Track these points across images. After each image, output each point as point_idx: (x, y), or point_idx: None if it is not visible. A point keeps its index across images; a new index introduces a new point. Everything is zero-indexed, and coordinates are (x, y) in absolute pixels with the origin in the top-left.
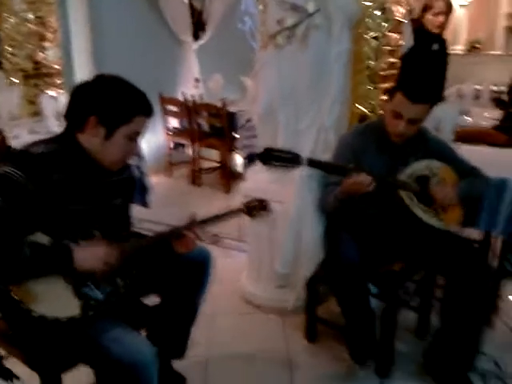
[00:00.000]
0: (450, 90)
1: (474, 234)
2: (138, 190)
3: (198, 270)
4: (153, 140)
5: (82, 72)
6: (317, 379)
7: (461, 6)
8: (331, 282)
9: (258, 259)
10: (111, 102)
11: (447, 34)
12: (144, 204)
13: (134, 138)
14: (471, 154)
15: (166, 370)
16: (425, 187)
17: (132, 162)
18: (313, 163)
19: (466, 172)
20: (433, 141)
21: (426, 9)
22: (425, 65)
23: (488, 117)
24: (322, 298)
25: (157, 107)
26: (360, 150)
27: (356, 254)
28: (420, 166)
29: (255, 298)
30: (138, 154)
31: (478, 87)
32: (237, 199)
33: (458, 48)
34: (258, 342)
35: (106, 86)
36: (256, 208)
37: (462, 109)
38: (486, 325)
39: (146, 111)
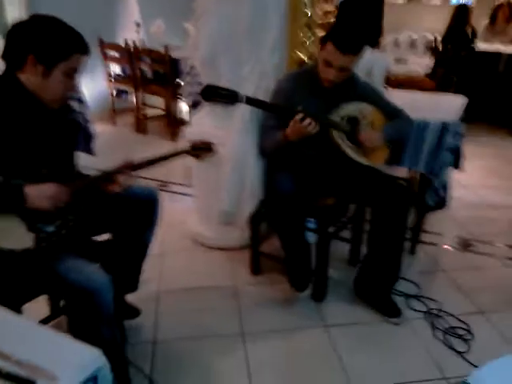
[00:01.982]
0: (387, 38)
1: (400, 171)
2: (82, 137)
3: (146, 208)
4: (94, 87)
5: (14, 14)
6: (261, 305)
7: None
8: (270, 215)
9: (203, 200)
10: (48, 40)
11: None
12: (89, 151)
13: (71, 74)
14: (400, 98)
15: (121, 303)
16: (354, 128)
17: (74, 107)
18: (252, 101)
19: (392, 113)
20: (362, 85)
21: None
22: (360, 13)
23: (423, 64)
24: (264, 235)
25: (96, 52)
26: (293, 93)
27: (291, 187)
28: (351, 108)
29: (202, 238)
30: (80, 99)
31: (414, 36)
32: (182, 144)
33: None
34: (206, 277)
35: (42, 25)
36: (200, 149)
37: (397, 56)
38: (409, 253)
39: (83, 48)
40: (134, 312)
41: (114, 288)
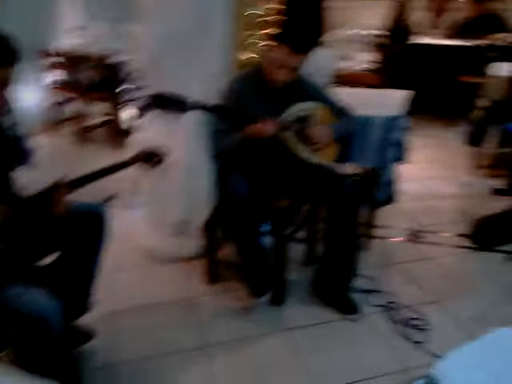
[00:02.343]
0: (329, 35)
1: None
2: (19, 152)
3: (92, 225)
4: (33, 97)
5: None
6: (221, 315)
7: None
8: (225, 221)
9: (154, 211)
10: None
11: None
12: (27, 166)
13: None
14: (346, 94)
15: (72, 328)
16: (304, 127)
17: (6, 122)
18: (206, 107)
19: (339, 111)
20: (309, 84)
21: None
22: (306, 12)
23: (366, 60)
24: (220, 242)
25: (35, 60)
26: (243, 95)
27: (246, 190)
28: (299, 108)
29: (156, 250)
30: (12, 112)
31: (356, 31)
32: (129, 153)
33: None
34: (162, 291)
35: None
36: (149, 158)
37: (340, 53)
38: (363, 248)
39: (9, 59)
40: (88, 335)
41: (64, 312)
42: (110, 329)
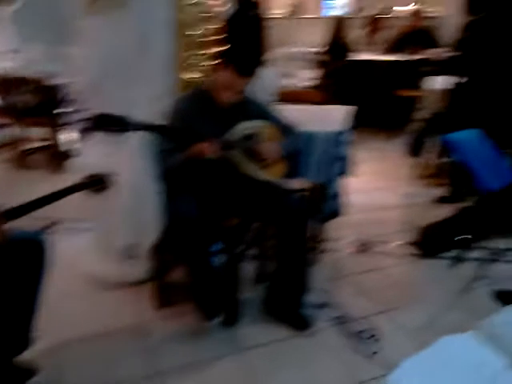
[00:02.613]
0: (272, 54)
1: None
2: None
3: (32, 255)
4: None
5: None
6: (173, 340)
7: None
8: (174, 243)
9: (100, 235)
10: None
11: None
12: None
13: None
14: (291, 112)
15: (12, 366)
16: (251, 145)
17: None
18: (149, 127)
19: (285, 128)
20: (254, 103)
21: None
22: (249, 35)
23: (308, 77)
24: (169, 264)
25: None
26: (189, 115)
27: (194, 210)
28: (246, 126)
29: (102, 276)
30: None
31: (298, 49)
32: (70, 177)
33: (278, 12)
34: (110, 319)
35: None
36: (94, 183)
37: (283, 71)
38: (313, 263)
39: None
40: (30, 372)
41: (2, 350)
42: (55, 362)
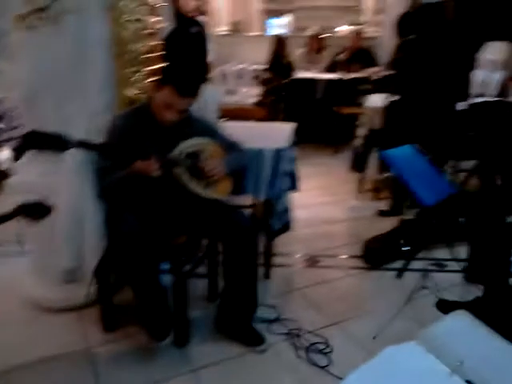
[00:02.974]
0: (216, 71)
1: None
2: None
3: None
4: None
5: None
6: (120, 364)
7: None
8: (118, 263)
9: (41, 258)
10: None
11: (212, 17)
12: None
13: None
14: (235, 129)
15: None
16: (196, 163)
17: None
18: (86, 145)
19: (229, 146)
20: (198, 121)
21: None
22: (188, 50)
23: (251, 94)
24: (114, 286)
25: None
26: (129, 132)
27: (136, 227)
28: (189, 144)
29: (44, 301)
30: None
31: (241, 66)
32: (6, 199)
33: (222, 30)
34: (53, 345)
35: None
36: (32, 211)
37: (227, 88)
38: (264, 278)
39: None
40: None
41: None
42: None
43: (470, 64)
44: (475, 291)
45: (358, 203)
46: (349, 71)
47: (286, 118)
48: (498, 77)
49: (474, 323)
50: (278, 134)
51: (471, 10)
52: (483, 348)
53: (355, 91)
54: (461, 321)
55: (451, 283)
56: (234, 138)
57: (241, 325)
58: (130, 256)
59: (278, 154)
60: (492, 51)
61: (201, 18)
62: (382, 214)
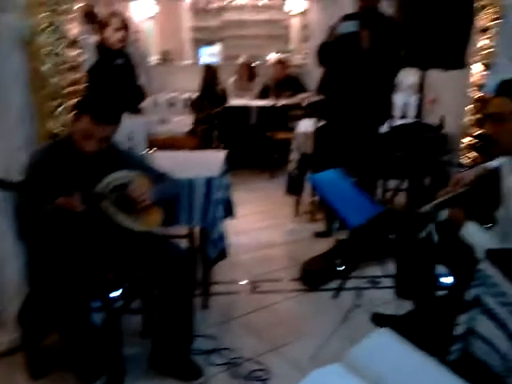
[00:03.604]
0: (147, 100)
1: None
2: None
3: None
4: None
5: None
6: None
7: (149, 18)
8: (43, 305)
9: None
10: None
11: (142, 45)
12: None
13: None
14: (166, 159)
15: None
16: (123, 195)
17: None
18: (5, 184)
19: (158, 177)
20: (124, 152)
21: (104, 25)
22: (110, 80)
23: (184, 123)
24: (41, 329)
25: None
26: (49, 168)
27: (61, 267)
28: (115, 176)
29: None
30: None
31: (172, 95)
32: None
33: (152, 59)
34: None
35: None
36: None
37: (159, 117)
38: (202, 308)
39: None
40: None
41: None
42: None
43: (389, 88)
44: (407, 306)
45: (295, 226)
46: (279, 98)
47: (221, 146)
48: (415, 100)
49: (397, 341)
50: (209, 162)
51: (386, 40)
52: (406, 365)
53: (288, 117)
54: (383, 339)
55: (385, 300)
56: (162, 169)
57: (177, 359)
58: (56, 298)
59: (210, 182)
60: (410, 76)
61: (130, 49)
62: (318, 235)
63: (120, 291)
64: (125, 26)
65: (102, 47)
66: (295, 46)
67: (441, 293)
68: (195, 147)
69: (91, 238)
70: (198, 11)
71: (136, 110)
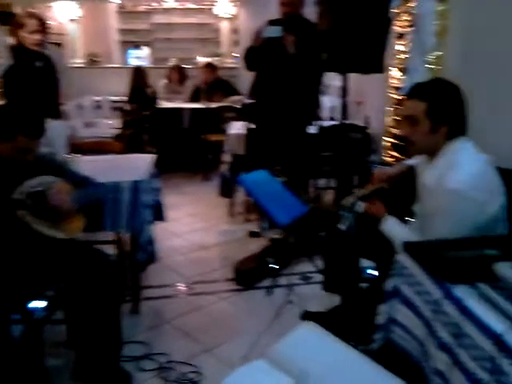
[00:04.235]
0: (71, 104)
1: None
2: None
3: None
4: None
5: None
6: None
7: (71, 20)
8: None
9: None
10: None
11: (66, 48)
12: None
13: None
14: (91, 163)
15: None
16: (41, 202)
17: None
18: None
19: (79, 182)
20: (44, 158)
21: (20, 26)
22: (29, 84)
23: (111, 126)
24: None
25: None
26: None
27: None
28: (33, 183)
29: None
30: None
31: (99, 98)
32: None
33: (77, 62)
34: None
35: None
36: None
37: (85, 121)
38: (132, 313)
39: None
40: None
41: None
42: None
43: (315, 91)
44: (337, 300)
45: (229, 227)
46: (211, 100)
47: (152, 150)
48: (342, 102)
49: (320, 334)
50: (136, 165)
51: (309, 45)
52: (328, 357)
53: (221, 119)
54: (307, 333)
55: (316, 295)
56: (84, 173)
57: (104, 367)
58: None
59: (137, 185)
60: (337, 80)
61: (51, 51)
62: (253, 235)
63: (42, 301)
64: (43, 27)
65: (19, 49)
66: (226, 50)
67: (365, 285)
68: (123, 151)
69: (9, 247)
70: (126, 13)
71: (56, 114)
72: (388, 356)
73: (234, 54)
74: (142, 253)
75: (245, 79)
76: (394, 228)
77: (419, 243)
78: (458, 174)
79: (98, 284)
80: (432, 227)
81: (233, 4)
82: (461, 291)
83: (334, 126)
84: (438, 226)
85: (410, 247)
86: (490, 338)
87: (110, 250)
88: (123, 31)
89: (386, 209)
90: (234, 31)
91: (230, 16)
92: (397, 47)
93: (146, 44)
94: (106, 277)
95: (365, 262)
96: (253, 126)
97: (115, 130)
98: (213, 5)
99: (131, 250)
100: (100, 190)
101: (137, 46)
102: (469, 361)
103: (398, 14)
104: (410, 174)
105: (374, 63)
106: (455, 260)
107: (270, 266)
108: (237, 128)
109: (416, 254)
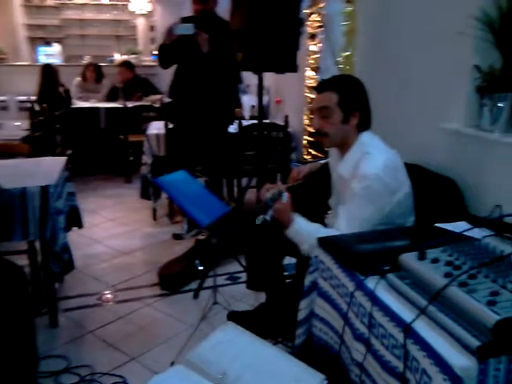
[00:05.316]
0: None
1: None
2: None
3: None
4: None
5: None
6: None
7: None
8: None
9: None
10: None
11: None
12: None
13: None
14: None
15: None
16: None
17: None
18: None
19: None
20: None
21: None
22: None
23: (19, 128)
24: None
25: None
26: None
27: None
28: None
29: None
30: None
31: (5, 98)
32: None
33: None
34: None
35: None
36: None
37: None
38: (50, 326)
39: None
40: None
41: None
42: None
43: (232, 90)
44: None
45: (153, 230)
46: (129, 99)
47: (66, 152)
48: (265, 101)
49: (239, 333)
50: (45, 169)
51: (223, 43)
52: (247, 356)
53: (141, 118)
54: (226, 334)
55: (244, 294)
56: None
57: None
58: None
59: (46, 191)
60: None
61: None
62: (176, 237)
63: None
64: None
65: None
66: (143, 48)
67: (288, 281)
68: (31, 154)
69: None
70: (33, 8)
71: None
72: (311, 350)
73: (153, 52)
74: (57, 262)
75: (165, 78)
76: (303, 225)
77: (332, 238)
78: (372, 161)
79: (8, 297)
80: (347, 211)
81: (148, 0)
82: (371, 282)
83: (253, 124)
84: (353, 209)
85: (324, 242)
86: (399, 326)
87: (22, 260)
88: (31, 26)
89: (302, 205)
90: (151, 28)
91: (145, 13)
92: (310, 47)
93: (58, 41)
94: (16, 289)
95: (288, 259)
96: (172, 125)
97: (23, 132)
98: (128, 1)
99: (43, 259)
100: (6, 196)
101: (47, 42)
102: (382, 349)
103: (310, 14)
104: (324, 170)
105: (288, 62)
106: (366, 252)
107: (196, 267)
108: (156, 128)
109: (330, 248)
